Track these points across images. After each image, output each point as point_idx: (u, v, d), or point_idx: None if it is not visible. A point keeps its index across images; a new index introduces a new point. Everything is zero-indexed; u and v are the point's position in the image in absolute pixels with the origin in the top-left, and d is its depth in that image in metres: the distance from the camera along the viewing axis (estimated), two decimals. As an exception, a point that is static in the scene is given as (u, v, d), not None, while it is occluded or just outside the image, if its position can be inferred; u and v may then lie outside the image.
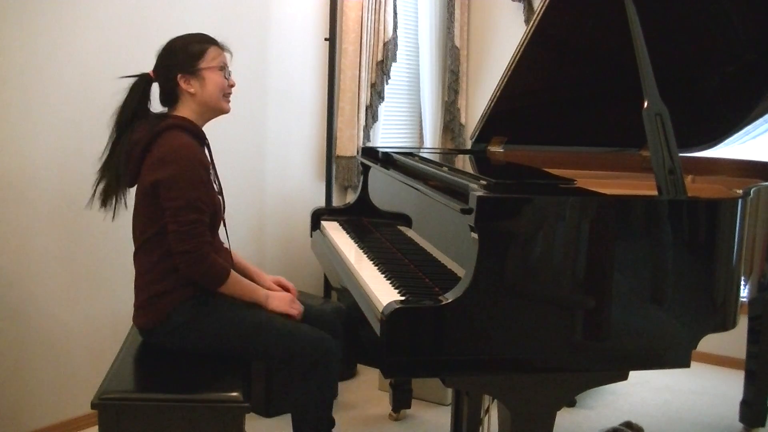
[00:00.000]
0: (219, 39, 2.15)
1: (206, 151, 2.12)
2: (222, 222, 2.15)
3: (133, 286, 2.10)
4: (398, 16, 3.78)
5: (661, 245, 1.67)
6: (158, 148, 2.00)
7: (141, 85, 2.10)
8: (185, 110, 2.09)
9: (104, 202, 2.09)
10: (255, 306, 2.09)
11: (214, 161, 2.16)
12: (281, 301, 2.11)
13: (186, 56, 2.07)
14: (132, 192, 2.12)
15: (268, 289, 2.20)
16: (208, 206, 2.00)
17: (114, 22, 2.68)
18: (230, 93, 2.15)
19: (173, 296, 2.01)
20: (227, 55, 2.15)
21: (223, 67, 2.12)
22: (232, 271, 2.05)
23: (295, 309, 2.11)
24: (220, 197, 2.11)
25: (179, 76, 2.06)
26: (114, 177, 2.07)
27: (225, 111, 2.15)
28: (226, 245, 2.24)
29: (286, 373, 2.05)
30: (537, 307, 1.60)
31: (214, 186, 2.09)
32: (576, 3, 2.24)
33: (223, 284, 2.01)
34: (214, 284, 2.01)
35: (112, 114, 2.09)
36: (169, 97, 2.11)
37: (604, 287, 1.63)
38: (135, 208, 2.08)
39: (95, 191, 2.09)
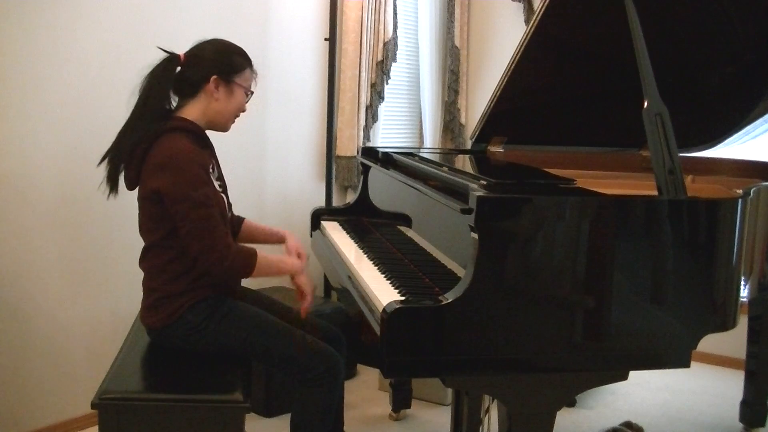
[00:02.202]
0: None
1: (209, 153, 2.09)
2: (232, 218, 2.15)
3: (133, 287, 2.09)
4: (398, 16, 3.79)
5: (661, 245, 1.67)
6: (157, 152, 1.95)
7: (168, 66, 2.03)
8: (194, 110, 2.05)
9: (110, 188, 2.05)
10: (267, 312, 2.09)
11: (219, 162, 2.14)
12: (309, 281, 2.15)
13: (228, 63, 2.05)
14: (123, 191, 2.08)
15: (281, 239, 2.30)
16: (214, 201, 1.97)
17: (114, 22, 2.68)
18: (238, 116, 2.15)
19: (188, 297, 1.99)
20: (254, 81, 2.15)
21: (250, 92, 2.13)
22: (258, 251, 2.01)
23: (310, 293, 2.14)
24: (223, 195, 2.08)
25: (215, 77, 2.03)
26: (115, 163, 2.02)
27: (225, 130, 2.14)
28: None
29: (289, 380, 2.04)
30: (537, 307, 1.60)
31: (216, 185, 2.05)
32: (576, 3, 2.24)
33: (253, 269, 1.97)
34: (245, 273, 1.98)
35: (133, 93, 2.02)
36: (190, 89, 2.05)
37: (604, 287, 1.63)
38: (140, 209, 2.04)
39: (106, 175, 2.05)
